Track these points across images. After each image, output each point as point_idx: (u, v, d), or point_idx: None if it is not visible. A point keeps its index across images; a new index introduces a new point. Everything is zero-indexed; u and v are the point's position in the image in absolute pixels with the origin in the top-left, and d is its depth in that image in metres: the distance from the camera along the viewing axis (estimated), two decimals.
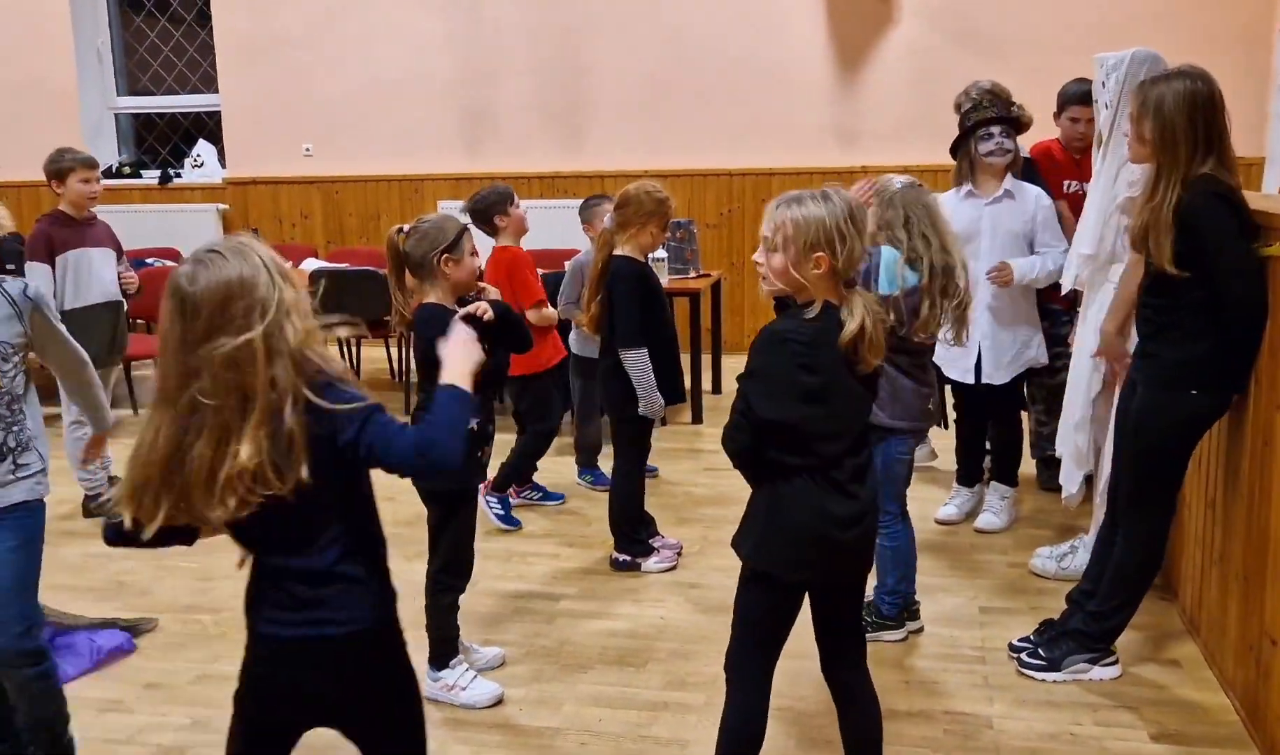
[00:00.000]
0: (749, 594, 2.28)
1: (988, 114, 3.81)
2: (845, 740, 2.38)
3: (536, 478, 4.59)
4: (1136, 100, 2.82)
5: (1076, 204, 3.84)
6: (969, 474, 4.26)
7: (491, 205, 4.31)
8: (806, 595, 2.30)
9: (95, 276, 4.49)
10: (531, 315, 4.19)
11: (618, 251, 3.72)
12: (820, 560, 2.21)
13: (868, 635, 3.24)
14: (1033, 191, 3.92)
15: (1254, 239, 2.69)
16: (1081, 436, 3.56)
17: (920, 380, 3.11)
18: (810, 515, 2.17)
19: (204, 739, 2.83)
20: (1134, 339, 3.08)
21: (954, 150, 3.97)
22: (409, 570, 3.49)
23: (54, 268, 4.36)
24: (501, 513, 4.30)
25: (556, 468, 4.93)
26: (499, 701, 2.98)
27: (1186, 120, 2.69)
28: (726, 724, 2.30)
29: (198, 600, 3.68)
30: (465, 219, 4.09)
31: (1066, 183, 4.13)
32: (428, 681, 3.05)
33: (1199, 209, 2.65)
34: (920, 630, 3.34)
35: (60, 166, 4.42)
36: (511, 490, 4.44)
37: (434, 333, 2.81)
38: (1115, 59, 3.31)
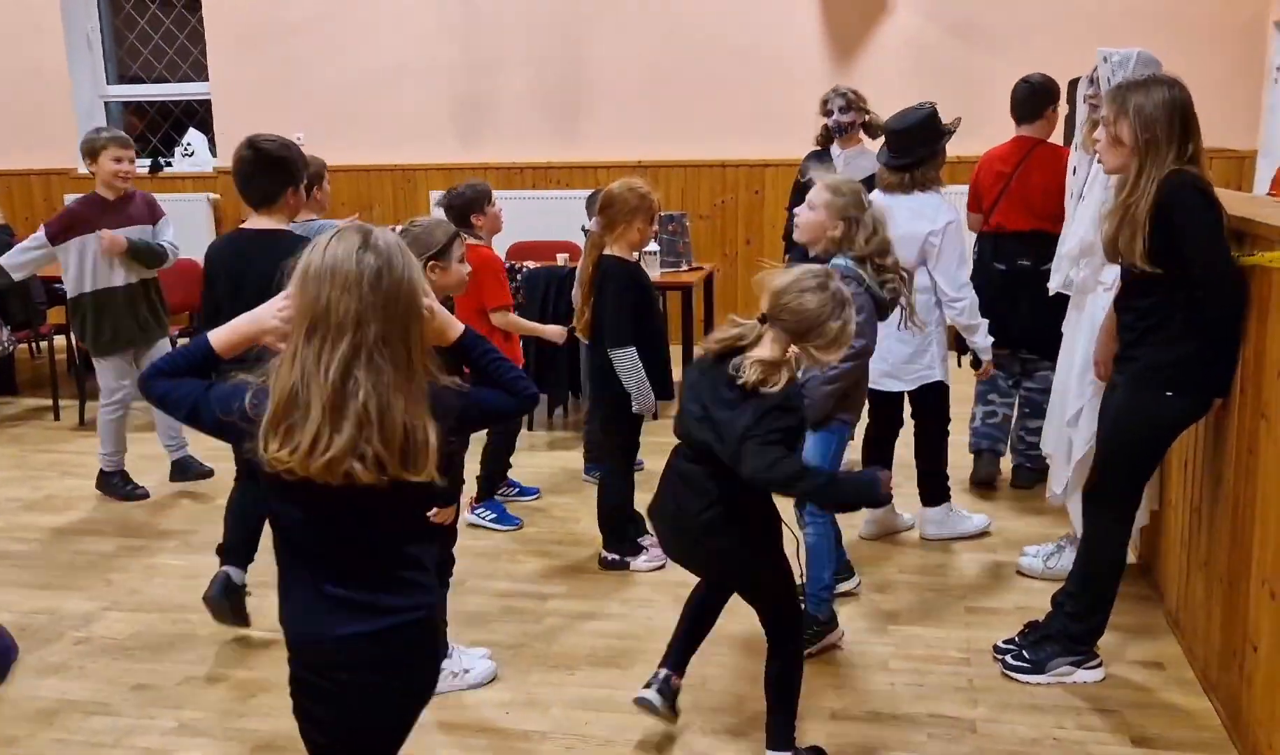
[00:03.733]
0: None
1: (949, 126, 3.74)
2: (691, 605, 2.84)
3: (510, 474, 4.57)
4: (1113, 104, 2.79)
5: None
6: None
7: (470, 203, 4.18)
8: None
9: (120, 259, 4.51)
10: (496, 319, 4.10)
11: (607, 251, 3.71)
12: (669, 541, 2.72)
13: (815, 648, 3.21)
14: None
15: (1233, 242, 2.70)
16: (1076, 435, 3.55)
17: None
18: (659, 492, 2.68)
19: (190, 743, 2.83)
20: None
21: (923, 157, 3.68)
22: None
23: (59, 247, 4.45)
24: (496, 516, 4.30)
25: (534, 462, 4.96)
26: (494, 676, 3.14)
27: (1167, 122, 2.70)
28: None
29: (188, 600, 3.68)
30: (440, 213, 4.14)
31: None
32: None
33: (1178, 202, 2.65)
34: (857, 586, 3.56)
35: (94, 144, 4.42)
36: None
37: None
38: (1120, 57, 3.25)
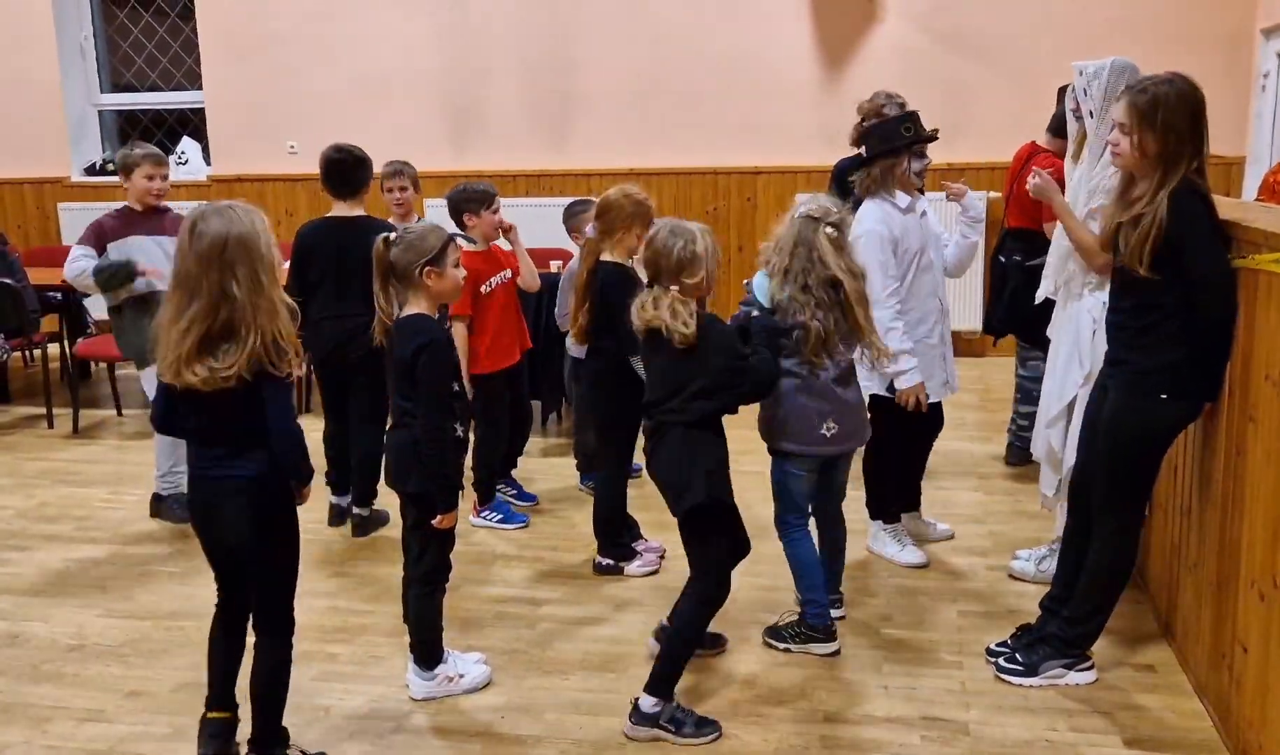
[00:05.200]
0: None
1: (923, 132, 3.68)
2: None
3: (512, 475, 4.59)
4: (1131, 109, 2.75)
5: None
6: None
7: (463, 203, 4.20)
8: None
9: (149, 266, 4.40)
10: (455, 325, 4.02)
11: (604, 257, 3.72)
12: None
13: (796, 647, 3.24)
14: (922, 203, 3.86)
15: (1226, 248, 2.72)
16: (1056, 437, 3.57)
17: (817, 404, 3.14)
18: None
19: (184, 749, 2.83)
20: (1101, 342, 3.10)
21: (873, 157, 3.72)
22: (394, 574, 3.48)
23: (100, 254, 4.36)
24: (502, 517, 4.34)
25: (526, 468, 4.99)
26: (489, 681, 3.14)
27: (1189, 132, 2.69)
28: None
29: (181, 607, 3.68)
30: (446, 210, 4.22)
31: None
32: (419, 682, 3.05)
33: (1183, 212, 2.67)
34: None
35: (128, 161, 4.42)
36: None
37: (414, 343, 2.84)
38: (1095, 68, 3.31)
